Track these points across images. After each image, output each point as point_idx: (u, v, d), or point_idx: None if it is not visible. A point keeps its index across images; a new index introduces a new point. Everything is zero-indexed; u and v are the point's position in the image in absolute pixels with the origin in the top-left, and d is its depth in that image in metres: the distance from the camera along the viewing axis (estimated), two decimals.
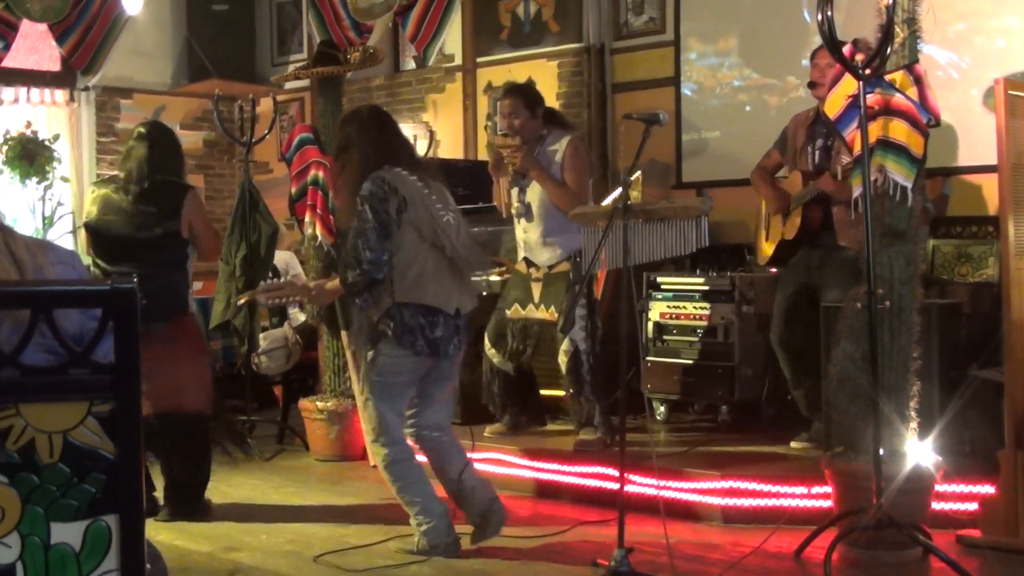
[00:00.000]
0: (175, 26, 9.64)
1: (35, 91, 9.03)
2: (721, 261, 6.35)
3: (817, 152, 5.26)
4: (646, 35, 7.54)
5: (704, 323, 5.87)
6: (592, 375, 5.33)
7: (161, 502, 5.03)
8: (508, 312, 5.55)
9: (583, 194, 5.33)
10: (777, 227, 5.42)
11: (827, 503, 4.49)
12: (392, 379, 4.32)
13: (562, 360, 5.35)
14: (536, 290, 5.47)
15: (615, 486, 4.07)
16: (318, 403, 6.29)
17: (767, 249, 5.54)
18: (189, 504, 4.99)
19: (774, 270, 5.66)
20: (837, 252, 5.14)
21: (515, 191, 5.45)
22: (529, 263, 5.51)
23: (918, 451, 4.28)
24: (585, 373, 5.33)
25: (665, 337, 6.02)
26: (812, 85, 5.28)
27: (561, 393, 6.02)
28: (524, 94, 5.49)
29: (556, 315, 5.35)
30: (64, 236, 8.68)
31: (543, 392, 6.19)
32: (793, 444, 5.32)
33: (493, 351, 5.60)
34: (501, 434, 5.73)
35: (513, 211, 5.49)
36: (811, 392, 5.25)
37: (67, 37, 8.42)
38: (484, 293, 6.07)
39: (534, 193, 5.37)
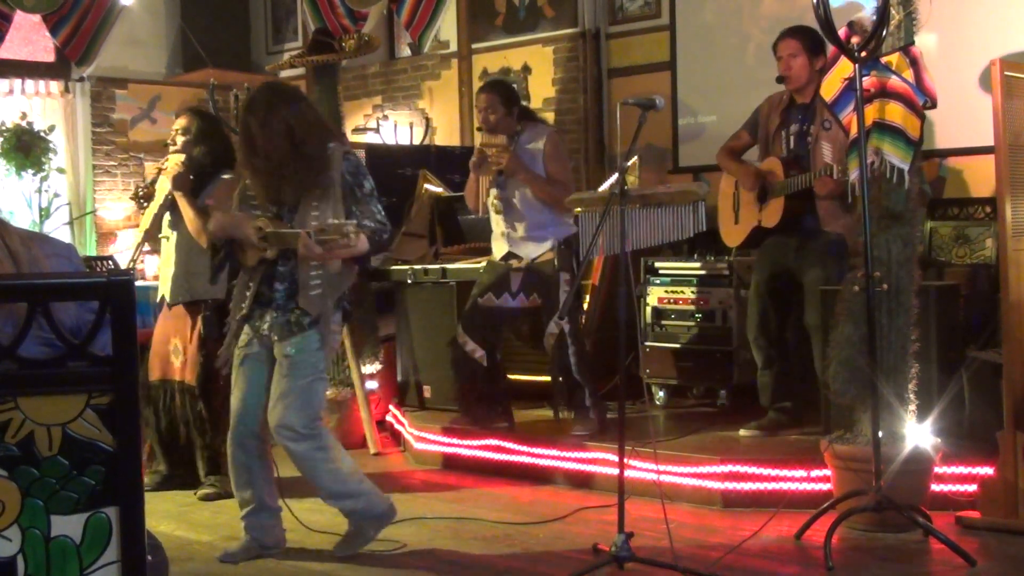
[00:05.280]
0: (169, 15, 9.62)
1: (30, 82, 9.02)
2: (718, 245, 6.33)
3: (792, 138, 5.19)
4: (642, 19, 7.52)
5: (702, 307, 5.87)
6: (578, 358, 5.33)
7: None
8: (481, 300, 5.50)
9: (570, 185, 5.35)
10: (751, 212, 5.32)
11: (827, 486, 4.50)
12: (331, 354, 4.36)
13: (547, 343, 5.36)
14: (515, 279, 5.43)
15: (615, 471, 4.07)
16: None
17: (738, 233, 5.43)
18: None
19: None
20: (818, 235, 5.11)
21: (495, 189, 5.42)
22: (510, 256, 5.47)
23: (917, 433, 4.29)
24: (570, 356, 5.32)
25: (663, 322, 6.02)
26: (781, 79, 5.19)
27: (541, 379, 6.02)
28: (501, 91, 5.46)
29: (539, 301, 5.36)
30: (61, 228, 8.67)
31: (525, 378, 6.19)
32: (742, 431, 5.25)
33: (466, 337, 5.52)
34: (463, 425, 5.68)
35: (493, 208, 5.45)
36: (778, 378, 5.27)
37: (61, 28, 8.40)
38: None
39: (515, 190, 5.36)
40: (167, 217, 5.20)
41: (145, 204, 5.24)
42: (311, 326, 4.11)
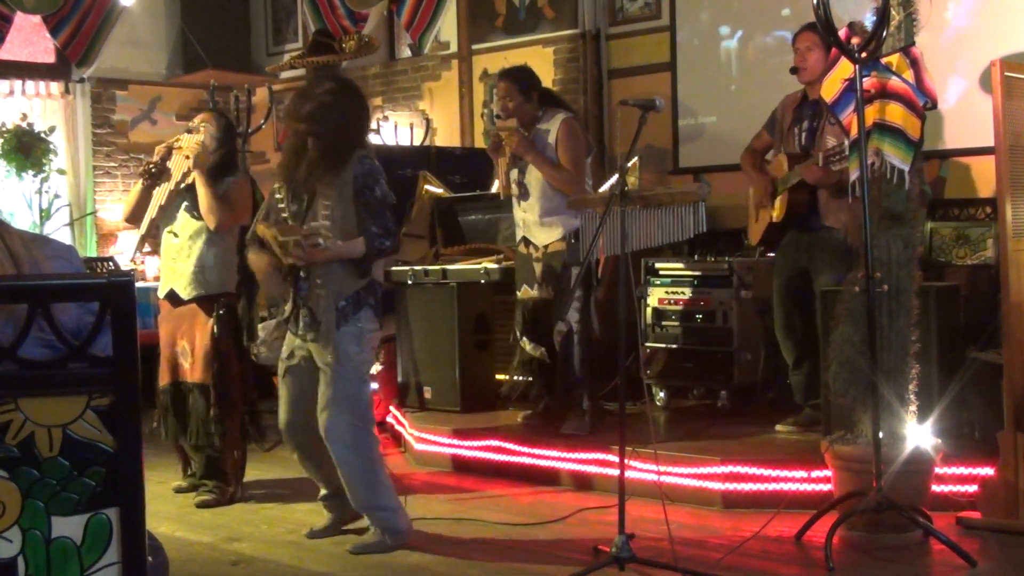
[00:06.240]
0: (169, 16, 9.62)
1: (30, 83, 9.02)
2: (719, 246, 6.35)
3: (803, 134, 5.27)
4: (642, 20, 7.52)
5: (702, 308, 5.87)
6: (582, 360, 5.33)
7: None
8: (519, 294, 5.58)
9: (579, 174, 5.31)
10: (767, 209, 5.44)
11: (827, 487, 4.49)
12: (372, 356, 4.37)
13: (556, 341, 5.37)
14: (538, 270, 5.47)
15: (615, 472, 4.07)
16: None
17: (757, 230, 5.55)
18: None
19: (771, 254, 5.67)
20: (826, 234, 5.17)
21: (514, 172, 5.46)
22: (528, 243, 5.51)
23: (917, 434, 4.28)
24: (576, 356, 5.33)
25: (664, 323, 6.02)
26: (795, 70, 5.28)
27: None
28: (517, 77, 5.50)
29: (552, 294, 5.36)
30: (61, 229, 8.68)
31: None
32: (779, 427, 5.34)
33: (525, 339, 5.56)
34: (532, 420, 5.70)
35: (512, 192, 5.49)
36: (810, 376, 5.28)
37: (61, 29, 8.42)
38: (483, 281, 6.08)
39: (532, 174, 5.37)
40: (184, 206, 5.09)
41: (156, 181, 5.11)
42: (338, 326, 4.19)
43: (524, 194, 5.43)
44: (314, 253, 4.14)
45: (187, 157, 5.05)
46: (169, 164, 5.10)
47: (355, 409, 4.23)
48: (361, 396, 4.26)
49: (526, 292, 5.53)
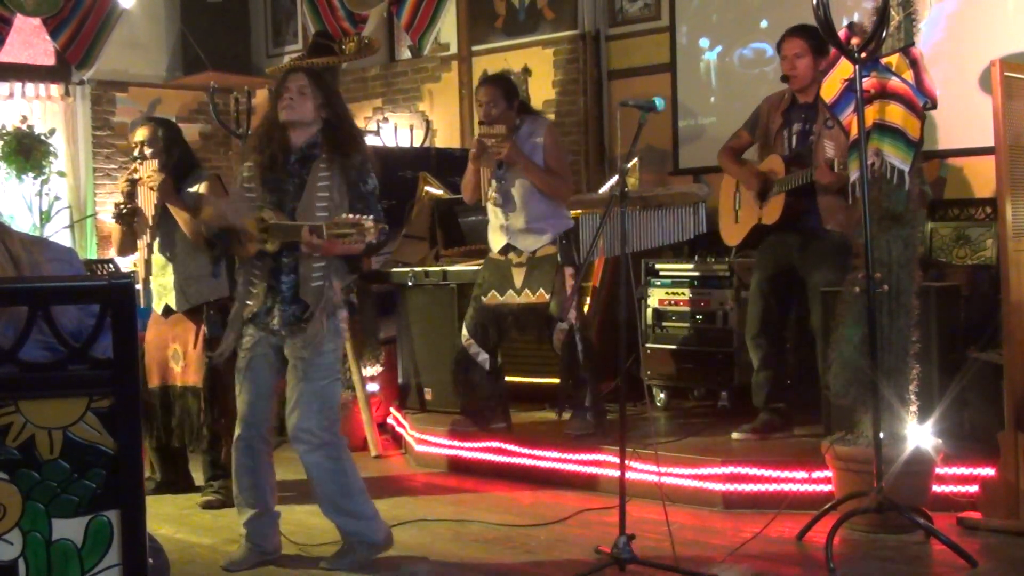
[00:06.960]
0: (169, 19, 9.62)
1: (30, 85, 9.02)
2: (719, 247, 6.33)
3: (794, 137, 5.20)
4: (642, 21, 7.52)
5: (703, 309, 5.87)
6: (585, 355, 5.33)
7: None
8: (484, 299, 5.51)
9: (570, 177, 5.39)
10: (751, 210, 5.32)
11: (828, 487, 4.50)
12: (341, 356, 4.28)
13: (557, 341, 5.38)
14: (518, 276, 5.44)
15: (616, 473, 4.07)
16: None
17: (738, 232, 5.42)
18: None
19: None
20: (822, 234, 5.10)
21: (494, 181, 5.43)
22: (508, 249, 5.48)
23: (918, 434, 4.29)
24: (579, 354, 5.33)
25: (664, 324, 6.01)
26: (785, 78, 5.21)
27: (543, 380, 6.01)
28: (501, 84, 5.51)
29: (546, 297, 5.35)
30: (62, 231, 8.67)
31: (527, 380, 6.19)
32: (734, 435, 5.22)
33: (471, 341, 5.53)
34: (465, 428, 5.68)
35: (491, 200, 5.46)
36: (772, 379, 5.26)
37: (61, 31, 8.41)
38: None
39: (516, 181, 5.37)
40: (146, 235, 5.07)
41: (131, 220, 5.07)
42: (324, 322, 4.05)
43: (508, 202, 5.41)
44: (338, 246, 3.90)
45: (152, 189, 4.99)
46: (139, 202, 5.05)
47: (325, 408, 4.08)
48: (333, 394, 4.12)
49: (494, 298, 5.47)
